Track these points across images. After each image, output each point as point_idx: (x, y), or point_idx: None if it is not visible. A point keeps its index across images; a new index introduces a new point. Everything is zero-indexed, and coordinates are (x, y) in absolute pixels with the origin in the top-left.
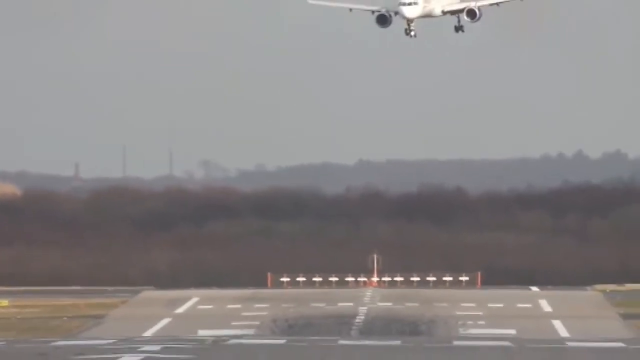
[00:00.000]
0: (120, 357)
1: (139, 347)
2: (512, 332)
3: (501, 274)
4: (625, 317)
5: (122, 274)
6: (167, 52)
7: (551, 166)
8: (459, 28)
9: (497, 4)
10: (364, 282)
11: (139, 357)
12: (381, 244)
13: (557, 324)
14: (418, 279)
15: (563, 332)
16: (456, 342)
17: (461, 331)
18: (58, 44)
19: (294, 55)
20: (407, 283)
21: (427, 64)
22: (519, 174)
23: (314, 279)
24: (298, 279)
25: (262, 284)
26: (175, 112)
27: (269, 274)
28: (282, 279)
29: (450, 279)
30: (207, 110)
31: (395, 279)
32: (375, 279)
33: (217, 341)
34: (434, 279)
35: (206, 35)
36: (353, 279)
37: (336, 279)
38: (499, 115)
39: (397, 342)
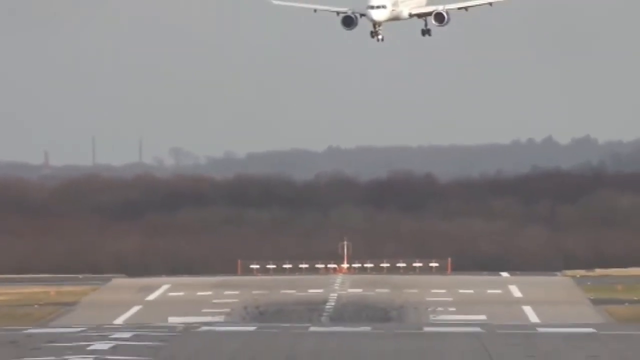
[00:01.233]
0: (91, 344)
1: (109, 335)
2: (483, 317)
3: (471, 260)
4: (596, 302)
5: (92, 261)
6: (137, 40)
7: (521, 152)
8: (425, 32)
9: (465, 8)
10: (334, 268)
11: (110, 345)
12: (351, 230)
13: (528, 309)
14: (388, 265)
15: (533, 318)
16: (426, 328)
17: (431, 317)
18: (26, 32)
19: (263, 45)
20: (377, 269)
21: (397, 50)
22: (488, 160)
23: (284, 265)
24: (268, 266)
25: (232, 271)
26: (145, 100)
27: (239, 261)
28: (252, 266)
29: (421, 265)
30: (177, 98)
31: (365, 265)
32: (345, 265)
33: (188, 328)
34: (404, 265)
35: (177, 24)
36: (323, 265)
37: (306, 265)
38: (469, 101)
39: (368, 329)
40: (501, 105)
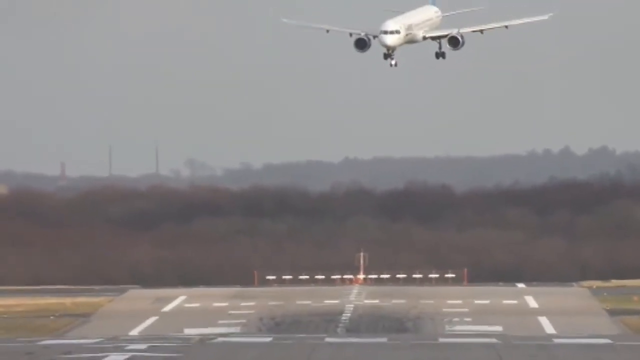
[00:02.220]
0: (107, 355)
1: (125, 346)
2: (499, 328)
3: (487, 271)
4: (612, 313)
5: (108, 273)
6: (154, 51)
7: (537, 163)
8: (440, 54)
9: (480, 30)
10: (350, 279)
11: (126, 356)
12: (367, 241)
13: (544, 320)
14: (404, 276)
15: (549, 329)
16: (442, 339)
17: (447, 328)
18: (42, 43)
19: (279, 56)
20: (394, 280)
21: (411, 61)
22: (505, 171)
23: (300, 277)
24: (284, 276)
25: (248, 282)
26: (162, 111)
27: (255, 272)
28: (268, 277)
29: (437, 276)
30: (193, 109)
31: (382, 276)
32: (361, 276)
33: (204, 339)
34: (420, 276)
35: (193, 37)
36: (339, 276)
37: (322, 276)
38: (485, 112)
39: (384, 340)
40: (517, 115)
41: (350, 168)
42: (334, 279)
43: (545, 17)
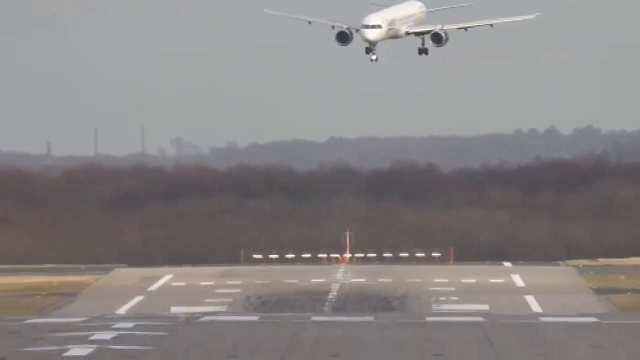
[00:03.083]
0: (94, 334)
1: (112, 325)
2: (486, 307)
3: (474, 250)
4: (599, 292)
5: (94, 252)
6: (139, 31)
7: (523, 142)
8: (423, 51)
9: (465, 28)
10: (337, 259)
11: (113, 335)
12: (353, 220)
13: (530, 299)
14: (391, 255)
15: (536, 308)
16: (429, 318)
17: (434, 307)
18: (29, 23)
19: (265, 36)
20: (380, 259)
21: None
22: (491, 151)
23: (287, 256)
24: (271, 256)
25: (235, 261)
26: (147, 91)
27: (242, 251)
28: (255, 256)
29: (423, 255)
30: (179, 88)
31: (368, 255)
32: (347, 255)
33: (190, 318)
34: (407, 255)
35: (181, 19)
36: (326, 255)
37: (309, 255)
38: (471, 91)
39: (371, 319)
40: (503, 95)
41: (336, 148)
42: (320, 258)
43: (532, 16)
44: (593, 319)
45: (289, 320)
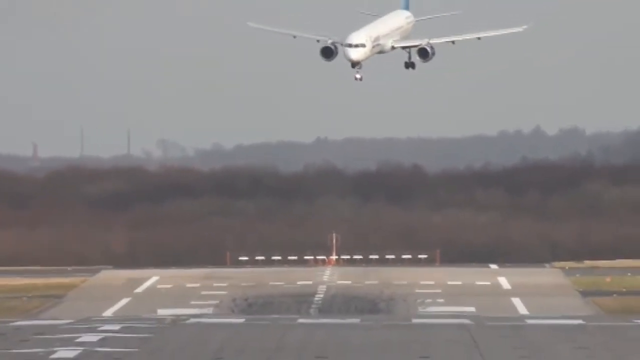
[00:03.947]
0: (80, 336)
1: (98, 327)
2: (472, 309)
3: (460, 252)
4: (585, 294)
5: (80, 253)
6: (125, 33)
7: (509, 143)
8: (409, 65)
9: (452, 41)
10: (323, 260)
11: (99, 337)
12: (340, 222)
13: (516, 301)
14: (377, 257)
15: (522, 310)
16: (415, 320)
17: (420, 309)
18: (13, 23)
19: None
20: (366, 261)
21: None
22: (476, 152)
23: (273, 257)
24: (257, 257)
25: (220, 262)
26: (133, 92)
27: (227, 253)
28: (240, 258)
29: (409, 256)
30: (165, 90)
31: (354, 257)
32: (334, 257)
33: (177, 320)
34: (393, 256)
35: (166, 19)
36: (312, 257)
37: (295, 257)
38: (456, 92)
39: (356, 320)
40: (488, 96)
41: (322, 148)
42: (306, 260)
43: (520, 29)
44: (579, 321)
45: (275, 322)
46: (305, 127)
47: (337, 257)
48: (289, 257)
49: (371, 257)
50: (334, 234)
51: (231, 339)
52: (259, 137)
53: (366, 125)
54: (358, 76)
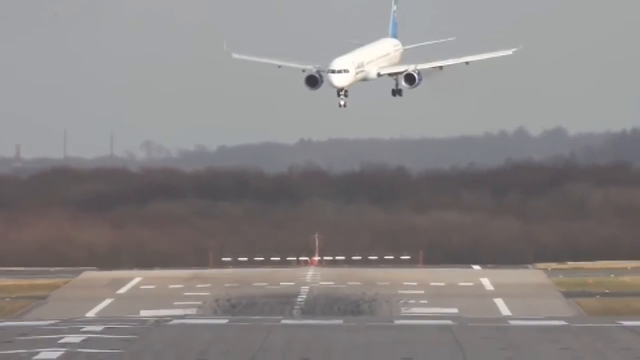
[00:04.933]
0: (63, 337)
1: (81, 328)
2: (454, 310)
3: (443, 253)
4: (567, 295)
5: (63, 254)
6: (110, 34)
7: (493, 144)
8: (396, 92)
9: (440, 67)
10: (306, 261)
11: (81, 338)
12: (323, 223)
13: (499, 302)
14: (360, 258)
15: (505, 311)
16: (398, 321)
17: (403, 310)
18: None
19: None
20: (349, 262)
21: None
22: (460, 153)
23: (256, 258)
24: (240, 258)
25: (203, 263)
26: (116, 93)
27: (210, 254)
28: (223, 259)
29: (392, 257)
30: (148, 91)
31: (337, 258)
32: (316, 258)
33: (160, 321)
34: (376, 257)
35: (150, 22)
36: (295, 258)
37: (278, 258)
38: (440, 93)
39: (339, 322)
40: (472, 96)
41: (305, 150)
42: (289, 261)
43: (510, 52)
44: (562, 322)
45: (258, 323)
46: (289, 128)
47: (319, 258)
48: (272, 258)
49: (354, 258)
50: (316, 235)
51: (215, 340)
52: (243, 139)
53: (350, 126)
54: (342, 102)
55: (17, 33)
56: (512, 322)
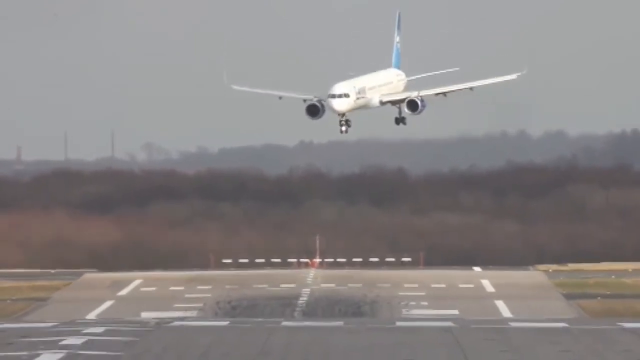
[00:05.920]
0: (64, 339)
1: (82, 330)
2: (455, 312)
3: (444, 255)
4: (568, 297)
5: (64, 256)
6: (109, 35)
7: (494, 146)
8: (400, 120)
9: (443, 93)
10: (307, 263)
11: (82, 339)
12: (323, 225)
13: (500, 304)
14: (360, 259)
15: (506, 312)
16: (399, 323)
17: (404, 312)
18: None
19: (235, 40)
20: (350, 264)
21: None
22: (461, 154)
23: (257, 260)
24: (240, 260)
25: (204, 265)
26: (117, 95)
27: (211, 256)
28: (224, 261)
29: (393, 259)
30: (149, 93)
31: (338, 260)
32: (317, 260)
33: (160, 323)
34: (377, 259)
35: (149, 22)
36: (295, 260)
37: (279, 260)
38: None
39: (340, 323)
40: (474, 98)
41: (306, 152)
42: (290, 263)
43: (514, 76)
44: (563, 324)
45: (259, 325)
46: (289, 130)
47: (320, 260)
48: (273, 260)
49: (355, 259)
50: (317, 237)
51: (215, 342)
52: (244, 140)
53: (350, 128)
54: (343, 129)
55: (17, 34)
56: (513, 324)
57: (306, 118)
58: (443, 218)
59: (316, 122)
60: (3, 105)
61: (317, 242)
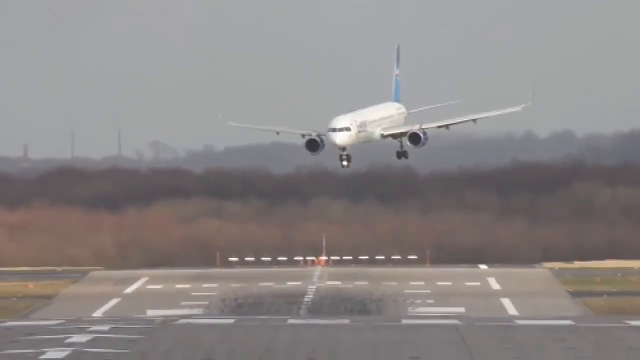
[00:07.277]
0: (70, 337)
1: (88, 327)
2: (461, 310)
3: (450, 253)
4: (574, 294)
5: (71, 254)
6: (116, 33)
7: (500, 145)
8: (401, 154)
9: (446, 126)
10: (313, 261)
11: (88, 337)
12: (330, 223)
13: (506, 302)
14: (367, 257)
15: (512, 310)
16: (405, 321)
17: (410, 310)
18: (2, 24)
19: (240, 40)
20: (356, 262)
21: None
22: (467, 153)
23: (263, 258)
24: (247, 258)
25: (211, 263)
26: (124, 93)
27: (217, 254)
28: (230, 259)
29: (399, 257)
30: (156, 91)
31: (344, 257)
32: (323, 257)
33: (166, 321)
34: (383, 257)
35: (156, 20)
36: (302, 258)
37: (285, 258)
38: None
39: (346, 321)
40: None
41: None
42: (296, 261)
43: (519, 108)
44: (569, 322)
45: (265, 323)
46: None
47: (326, 257)
48: (279, 258)
49: (361, 257)
50: (323, 235)
51: (221, 340)
52: (250, 139)
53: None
54: (344, 164)
55: (23, 33)
56: (519, 322)
57: (313, 115)
58: (450, 216)
59: (323, 120)
60: (9, 102)
61: (324, 240)
